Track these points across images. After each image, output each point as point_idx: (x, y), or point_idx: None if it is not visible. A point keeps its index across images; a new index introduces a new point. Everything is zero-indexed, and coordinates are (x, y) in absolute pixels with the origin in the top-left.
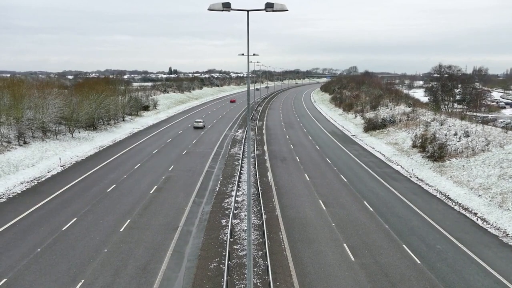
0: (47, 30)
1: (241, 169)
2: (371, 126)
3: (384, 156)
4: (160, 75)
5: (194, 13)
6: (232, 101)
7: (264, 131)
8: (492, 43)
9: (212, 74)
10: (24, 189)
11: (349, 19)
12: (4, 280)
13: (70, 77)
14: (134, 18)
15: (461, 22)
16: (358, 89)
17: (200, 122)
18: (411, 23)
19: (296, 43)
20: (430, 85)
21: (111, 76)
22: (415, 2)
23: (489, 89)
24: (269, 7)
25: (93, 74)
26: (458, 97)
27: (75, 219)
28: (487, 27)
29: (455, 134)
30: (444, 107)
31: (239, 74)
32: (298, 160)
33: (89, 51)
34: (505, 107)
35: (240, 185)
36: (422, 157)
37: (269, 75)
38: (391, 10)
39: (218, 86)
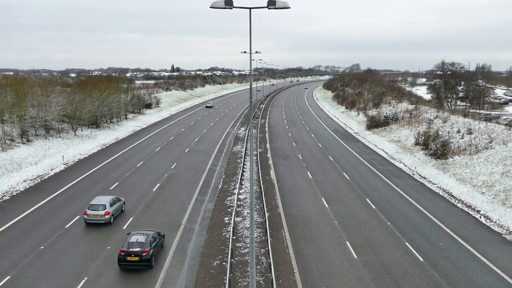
0: (53, 28)
1: (243, 167)
2: (374, 124)
3: (386, 153)
4: (162, 73)
5: (201, 11)
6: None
7: (266, 129)
8: (496, 41)
9: (215, 72)
10: (27, 187)
11: (353, 17)
12: (8, 277)
13: (73, 75)
14: (141, 16)
15: (466, 20)
16: (360, 86)
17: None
18: (415, 20)
19: (300, 41)
20: (433, 82)
21: (113, 74)
22: (420, 0)
23: (492, 86)
24: (271, 4)
25: (96, 72)
26: (461, 94)
27: (78, 216)
28: (490, 24)
29: (458, 132)
30: (447, 104)
31: (241, 72)
32: (301, 158)
33: (94, 49)
34: (507, 103)
35: (243, 183)
36: (425, 154)
37: (271, 73)
38: (395, 7)
39: (220, 84)
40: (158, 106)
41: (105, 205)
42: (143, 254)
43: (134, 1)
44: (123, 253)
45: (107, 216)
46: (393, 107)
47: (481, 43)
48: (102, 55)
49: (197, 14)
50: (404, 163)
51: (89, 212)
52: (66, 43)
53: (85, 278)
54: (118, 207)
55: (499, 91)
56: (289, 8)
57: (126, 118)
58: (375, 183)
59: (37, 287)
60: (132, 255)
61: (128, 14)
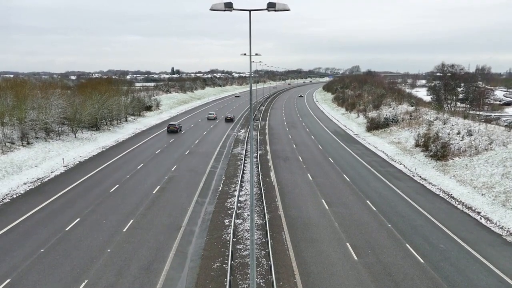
0: (57, 30)
1: (243, 169)
2: (374, 126)
3: (387, 155)
4: (162, 75)
5: (202, 13)
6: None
7: (266, 131)
8: (495, 42)
9: (215, 74)
10: (28, 189)
11: (353, 19)
12: (8, 280)
13: (73, 77)
14: (141, 18)
15: (465, 22)
16: (360, 88)
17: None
18: (415, 22)
19: (300, 43)
20: (432, 84)
21: (113, 77)
22: (420, 2)
23: (492, 87)
24: (271, 6)
25: (96, 75)
26: (461, 96)
27: (78, 219)
28: (490, 26)
29: (458, 133)
30: (447, 106)
31: (241, 74)
32: (301, 160)
33: (96, 52)
34: (509, 104)
35: (243, 185)
36: (425, 156)
37: (271, 75)
38: (395, 10)
39: (220, 86)
40: (158, 109)
41: None
42: None
43: (135, 3)
44: None
45: None
46: (393, 108)
47: (481, 45)
48: (102, 57)
49: (199, 16)
50: (404, 165)
51: None
52: (70, 46)
53: (85, 281)
54: None
55: (499, 93)
56: (289, 10)
57: (126, 121)
58: (376, 185)
59: None
60: None
61: (129, 17)
